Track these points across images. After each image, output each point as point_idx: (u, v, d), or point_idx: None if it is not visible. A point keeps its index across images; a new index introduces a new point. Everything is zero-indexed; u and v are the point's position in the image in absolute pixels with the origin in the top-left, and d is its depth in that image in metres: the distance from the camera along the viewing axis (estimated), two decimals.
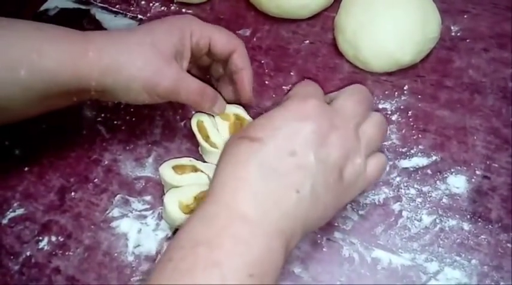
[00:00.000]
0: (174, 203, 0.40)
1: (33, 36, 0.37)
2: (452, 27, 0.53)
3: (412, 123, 0.47)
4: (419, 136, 0.47)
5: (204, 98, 0.42)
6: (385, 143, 0.46)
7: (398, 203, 0.43)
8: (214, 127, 0.45)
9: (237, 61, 0.43)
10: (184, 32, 0.40)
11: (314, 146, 0.32)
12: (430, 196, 0.43)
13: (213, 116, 0.45)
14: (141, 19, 0.58)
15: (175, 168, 0.43)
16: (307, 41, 0.54)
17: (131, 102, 0.41)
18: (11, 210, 0.45)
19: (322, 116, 0.34)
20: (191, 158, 0.44)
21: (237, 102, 0.46)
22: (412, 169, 0.45)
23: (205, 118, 0.45)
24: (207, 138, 0.45)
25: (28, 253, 0.43)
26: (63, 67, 0.37)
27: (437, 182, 0.44)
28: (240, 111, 0.45)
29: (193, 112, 0.45)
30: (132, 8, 0.59)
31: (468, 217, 0.42)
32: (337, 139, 0.33)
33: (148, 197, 0.45)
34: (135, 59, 0.38)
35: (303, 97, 0.35)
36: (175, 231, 0.43)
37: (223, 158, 0.34)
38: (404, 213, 0.43)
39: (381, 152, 0.38)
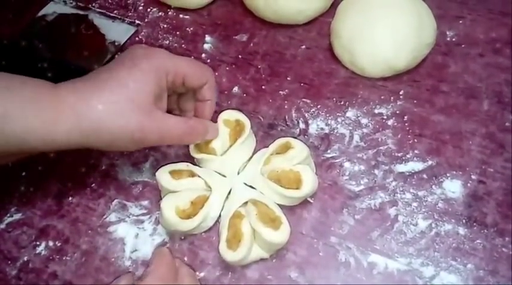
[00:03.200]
0: (170, 208, 0.40)
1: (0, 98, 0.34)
2: (447, 33, 0.54)
3: (407, 128, 0.48)
4: (415, 140, 0.47)
5: (194, 135, 0.41)
6: (381, 148, 0.46)
7: (394, 207, 0.43)
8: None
9: (205, 93, 0.43)
10: (160, 74, 0.38)
11: None
12: (426, 201, 0.43)
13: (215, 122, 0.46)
14: (138, 24, 0.58)
15: (172, 173, 0.43)
16: (304, 46, 0.54)
17: (113, 150, 0.40)
18: (8, 215, 0.46)
19: None
20: (188, 164, 0.44)
21: None
22: (407, 173, 0.45)
23: None
24: (207, 145, 0.45)
25: (25, 258, 0.43)
26: (32, 134, 0.35)
27: (433, 186, 0.44)
28: (240, 116, 0.46)
29: None
30: (130, 14, 0.60)
31: (464, 221, 0.42)
32: None
33: (145, 202, 0.45)
34: (115, 120, 0.36)
35: None
36: (171, 236, 0.43)
37: None
38: (400, 217, 0.43)
39: None
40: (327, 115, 0.49)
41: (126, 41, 0.57)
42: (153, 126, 0.38)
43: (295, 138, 0.45)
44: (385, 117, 0.48)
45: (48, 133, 0.35)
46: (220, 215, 0.43)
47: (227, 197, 0.43)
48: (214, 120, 0.46)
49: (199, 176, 0.43)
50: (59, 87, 0.36)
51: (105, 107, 0.36)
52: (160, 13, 0.59)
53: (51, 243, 0.44)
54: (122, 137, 0.37)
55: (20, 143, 0.35)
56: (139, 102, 0.37)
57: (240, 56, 0.55)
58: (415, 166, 0.45)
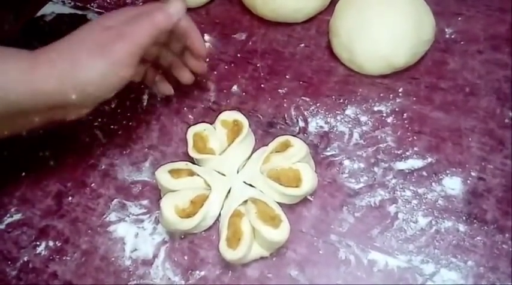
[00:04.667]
0: (170, 207, 0.40)
1: None
2: (446, 30, 0.53)
3: (407, 125, 0.47)
4: (415, 138, 0.47)
5: (158, 12, 0.40)
6: (381, 145, 0.46)
7: (394, 205, 0.43)
8: (213, 134, 0.45)
9: (182, 25, 0.43)
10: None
11: None
12: (426, 198, 0.43)
13: (212, 123, 0.46)
14: None
15: (172, 172, 0.43)
16: (302, 45, 0.54)
17: (100, 94, 0.39)
18: (8, 215, 0.46)
19: None
20: (187, 162, 0.44)
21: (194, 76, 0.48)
22: (407, 171, 0.45)
23: (203, 128, 0.45)
24: (205, 145, 0.45)
25: (25, 258, 0.43)
26: (13, 84, 0.36)
27: (433, 184, 0.44)
28: (238, 116, 0.46)
29: (190, 124, 0.46)
30: None
31: (464, 218, 0.42)
32: None
33: (145, 202, 0.45)
34: (81, 44, 0.38)
35: None
36: (171, 235, 0.43)
37: None
38: (400, 215, 0.43)
39: None
40: (326, 113, 0.49)
41: None
42: (109, 34, 0.38)
43: (295, 136, 0.45)
44: (384, 115, 0.48)
45: (27, 82, 0.36)
46: (220, 214, 0.43)
47: (227, 196, 0.43)
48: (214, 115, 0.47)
49: (198, 175, 0.43)
50: (39, 48, 0.38)
51: (77, 42, 0.38)
52: None
53: (51, 244, 0.44)
54: (99, 56, 0.37)
55: (2, 99, 0.36)
56: (107, 23, 0.39)
57: (238, 55, 0.54)
58: (415, 163, 0.45)
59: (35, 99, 0.37)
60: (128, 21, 0.40)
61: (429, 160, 0.45)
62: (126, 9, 0.42)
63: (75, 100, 0.38)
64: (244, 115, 0.46)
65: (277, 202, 0.42)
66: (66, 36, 0.39)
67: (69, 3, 0.61)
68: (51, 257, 0.43)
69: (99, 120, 0.51)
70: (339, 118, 0.49)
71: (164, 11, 0.41)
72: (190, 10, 0.58)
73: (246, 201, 0.42)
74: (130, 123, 0.50)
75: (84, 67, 0.37)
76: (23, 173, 0.48)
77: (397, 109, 0.49)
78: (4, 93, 0.36)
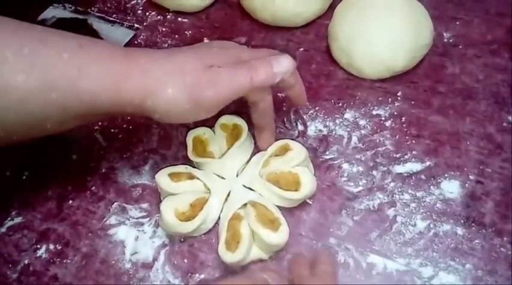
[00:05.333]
0: (170, 211, 0.41)
1: (73, 56, 0.35)
2: (444, 34, 0.54)
3: (405, 129, 0.48)
4: (413, 141, 0.47)
5: (263, 71, 0.37)
6: (379, 149, 0.47)
7: (393, 208, 0.43)
8: (212, 138, 0.46)
9: (288, 81, 0.40)
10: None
11: None
12: (424, 201, 0.43)
13: (212, 127, 0.46)
14: (137, 28, 0.59)
15: (172, 176, 0.43)
16: (302, 49, 0.55)
17: (168, 122, 0.39)
18: (9, 219, 0.46)
19: None
20: (187, 166, 0.44)
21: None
22: (406, 174, 0.45)
23: (203, 131, 0.46)
24: (204, 149, 0.45)
25: (26, 261, 0.43)
26: (103, 89, 0.35)
27: (431, 187, 0.44)
28: (238, 120, 0.46)
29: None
30: (129, 17, 0.60)
31: (462, 221, 0.42)
32: None
33: (145, 205, 0.46)
34: (178, 74, 0.36)
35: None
36: (171, 238, 0.43)
37: None
38: (398, 218, 0.43)
39: None
40: (325, 116, 0.49)
41: (125, 45, 0.57)
42: (206, 77, 0.36)
43: (294, 139, 0.45)
44: (383, 118, 0.49)
45: (117, 91, 0.35)
46: (219, 217, 0.43)
47: (226, 199, 0.43)
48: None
49: (198, 179, 0.43)
50: (131, 49, 0.38)
51: (171, 63, 0.37)
52: (159, 16, 0.60)
53: (51, 247, 0.44)
54: (183, 93, 0.36)
55: (91, 101, 0.35)
56: (205, 60, 0.37)
57: None
58: (413, 166, 0.45)
59: (120, 107, 0.36)
60: (230, 67, 0.37)
61: (427, 163, 0.45)
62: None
63: (155, 115, 0.38)
64: (244, 119, 0.46)
65: (277, 206, 0.42)
66: (165, 53, 0.38)
67: (70, 7, 0.62)
68: (51, 260, 0.43)
69: (100, 123, 0.51)
70: (337, 121, 0.49)
71: (269, 67, 0.38)
72: (190, 14, 0.59)
73: (245, 204, 0.42)
74: (130, 127, 0.50)
75: (168, 98, 0.36)
76: (24, 177, 0.48)
77: (395, 113, 0.49)
78: (94, 99, 0.35)
